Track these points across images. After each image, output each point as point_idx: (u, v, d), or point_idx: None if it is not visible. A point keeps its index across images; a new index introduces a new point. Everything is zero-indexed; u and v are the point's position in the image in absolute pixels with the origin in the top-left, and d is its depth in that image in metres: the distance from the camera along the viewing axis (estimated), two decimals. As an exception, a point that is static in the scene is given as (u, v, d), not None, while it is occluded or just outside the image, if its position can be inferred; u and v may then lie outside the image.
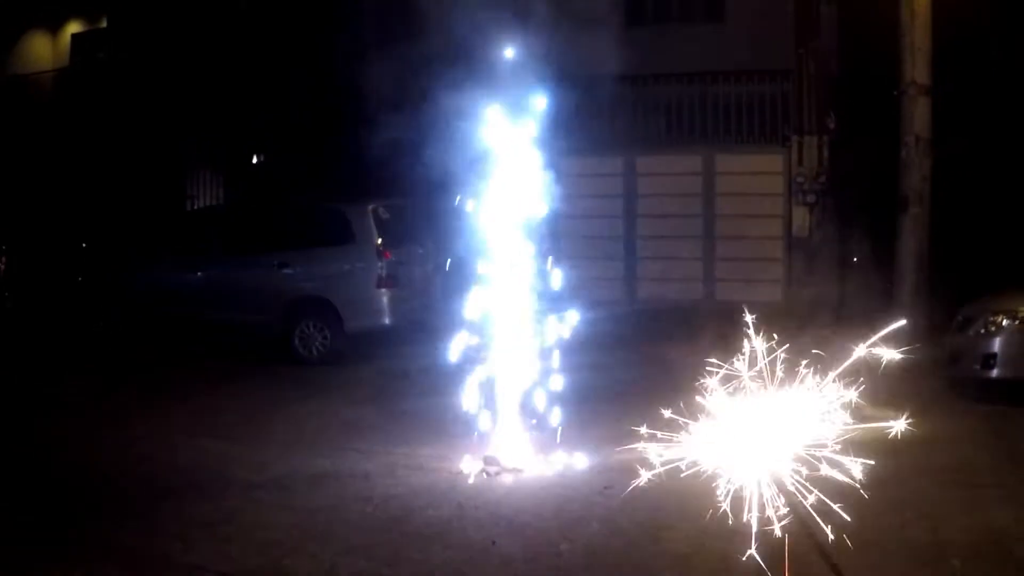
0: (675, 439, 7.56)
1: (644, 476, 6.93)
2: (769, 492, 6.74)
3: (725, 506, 7.35)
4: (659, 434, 7.65)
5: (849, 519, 6.80)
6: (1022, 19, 17.51)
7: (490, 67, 10.28)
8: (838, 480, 6.53)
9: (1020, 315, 12.87)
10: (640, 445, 7.37)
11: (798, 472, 7.00)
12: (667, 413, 7.01)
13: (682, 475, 6.70)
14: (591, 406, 11.84)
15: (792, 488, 7.17)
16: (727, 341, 7.79)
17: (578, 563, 7.80)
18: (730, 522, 7.28)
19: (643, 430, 7.04)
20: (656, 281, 21.01)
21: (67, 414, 13.21)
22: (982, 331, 13.07)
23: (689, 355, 8.20)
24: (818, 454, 6.84)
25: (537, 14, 10.66)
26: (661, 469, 7.33)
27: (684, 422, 7.37)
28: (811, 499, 6.94)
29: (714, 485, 7.35)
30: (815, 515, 7.05)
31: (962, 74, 17.68)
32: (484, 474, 10.07)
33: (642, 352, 16.04)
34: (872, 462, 6.62)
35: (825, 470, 6.63)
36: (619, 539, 8.15)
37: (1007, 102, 17.67)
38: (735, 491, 7.40)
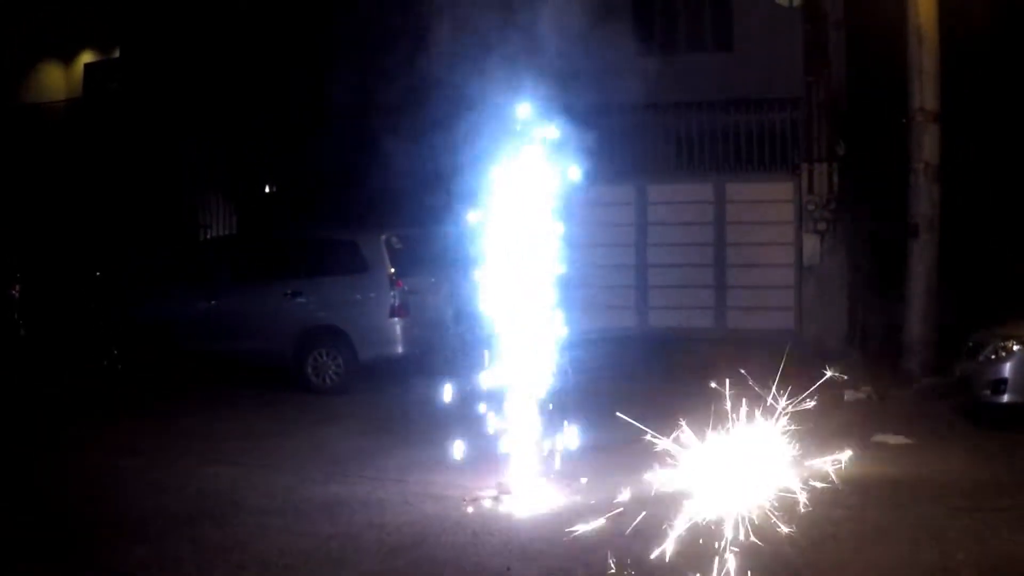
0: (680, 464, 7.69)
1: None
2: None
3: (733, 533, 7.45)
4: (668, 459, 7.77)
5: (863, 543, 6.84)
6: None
7: (501, 98, 10.35)
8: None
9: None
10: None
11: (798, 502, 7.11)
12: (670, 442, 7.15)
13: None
14: (600, 433, 11.89)
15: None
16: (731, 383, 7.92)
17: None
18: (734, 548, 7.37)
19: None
20: (667, 310, 21.02)
21: (78, 443, 13.25)
22: (992, 356, 13.10)
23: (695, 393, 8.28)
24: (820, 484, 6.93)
25: (548, 44, 10.75)
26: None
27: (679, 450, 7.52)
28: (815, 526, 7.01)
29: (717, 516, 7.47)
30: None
31: (973, 98, 17.72)
32: (497, 501, 10.12)
33: (649, 384, 16.01)
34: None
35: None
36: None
37: (1017, 125, 17.70)
38: (741, 519, 7.50)
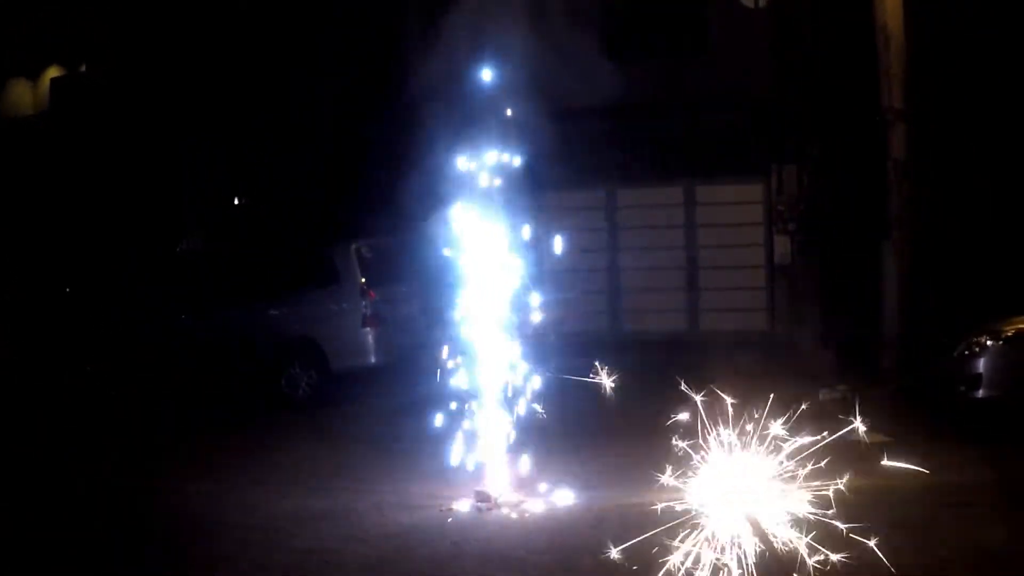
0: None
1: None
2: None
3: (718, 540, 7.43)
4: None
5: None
6: (1004, 40, 17.59)
7: (471, 102, 10.33)
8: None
9: (1003, 335, 12.93)
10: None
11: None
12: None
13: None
14: (575, 440, 11.88)
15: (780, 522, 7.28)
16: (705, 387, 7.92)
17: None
18: (717, 555, 7.34)
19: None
20: (640, 313, 21.03)
21: (54, 465, 13.15)
22: (966, 352, 13.12)
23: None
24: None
25: (516, 49, 10.72)
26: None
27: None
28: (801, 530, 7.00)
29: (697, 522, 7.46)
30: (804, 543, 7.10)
31: (944, 97, 17.75)
32: (476, 510, 10.08)
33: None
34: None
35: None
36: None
37: (990, 124, 17.73)
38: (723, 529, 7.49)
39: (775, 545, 7.36)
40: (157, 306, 18.11)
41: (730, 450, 7.67)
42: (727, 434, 7.64)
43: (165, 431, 14.94)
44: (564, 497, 10.17)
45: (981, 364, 12.92)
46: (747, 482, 7.58)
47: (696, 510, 7.52)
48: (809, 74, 19.61)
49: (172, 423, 15.53)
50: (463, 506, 10.11)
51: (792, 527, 7.39)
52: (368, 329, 16.62)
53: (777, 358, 13.47)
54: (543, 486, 10.32)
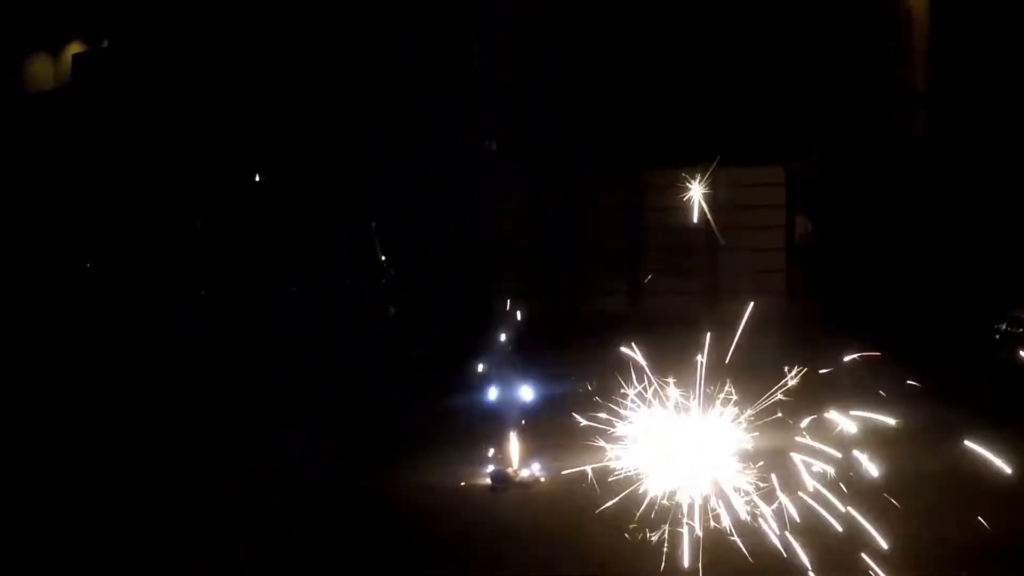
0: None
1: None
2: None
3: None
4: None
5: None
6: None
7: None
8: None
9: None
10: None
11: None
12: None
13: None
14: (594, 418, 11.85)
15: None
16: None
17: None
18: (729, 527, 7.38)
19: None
20: (660, 295, 20.97)
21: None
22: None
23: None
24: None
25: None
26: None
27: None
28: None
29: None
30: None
31: (961, 80, 17.66)
32: (488, 490, 10.12)
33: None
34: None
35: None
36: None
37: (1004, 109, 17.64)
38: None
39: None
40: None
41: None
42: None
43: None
44: (574, 475, 10.15)
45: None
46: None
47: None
48: (829, 52, 19.53)
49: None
50: (476, 486, 10.15)
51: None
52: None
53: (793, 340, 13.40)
54: (554, 464, 10.33)
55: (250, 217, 23.48)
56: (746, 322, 9.06)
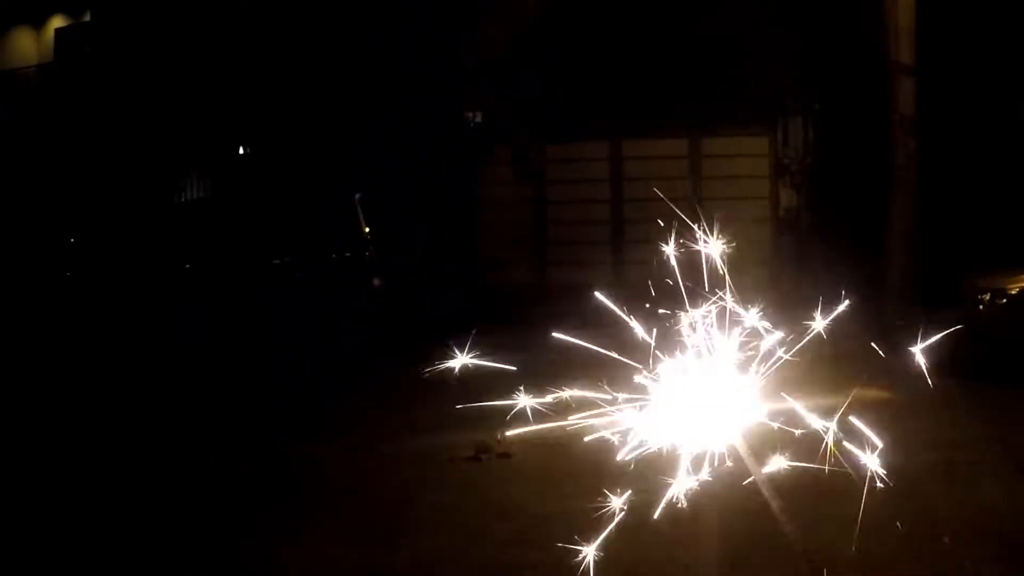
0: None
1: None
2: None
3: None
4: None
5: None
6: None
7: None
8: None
9: (1009, 292, 12.94)
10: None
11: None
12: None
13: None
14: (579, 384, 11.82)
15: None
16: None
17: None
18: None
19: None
20: (643, 264, 20.95)
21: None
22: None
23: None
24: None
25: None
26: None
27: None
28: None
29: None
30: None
31: (952, 52, 17.66)
32: (474, 459, 10.12)
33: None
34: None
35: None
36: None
37: (996, 81, 17.66)
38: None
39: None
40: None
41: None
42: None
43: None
44: (562, 443, 10.13)
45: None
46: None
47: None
48: (818, 24, 19.52)
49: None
50: (462, 456, 10.16)
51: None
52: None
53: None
54: (542, 432, 10.29)
55: (236, 189, 23.46)
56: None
